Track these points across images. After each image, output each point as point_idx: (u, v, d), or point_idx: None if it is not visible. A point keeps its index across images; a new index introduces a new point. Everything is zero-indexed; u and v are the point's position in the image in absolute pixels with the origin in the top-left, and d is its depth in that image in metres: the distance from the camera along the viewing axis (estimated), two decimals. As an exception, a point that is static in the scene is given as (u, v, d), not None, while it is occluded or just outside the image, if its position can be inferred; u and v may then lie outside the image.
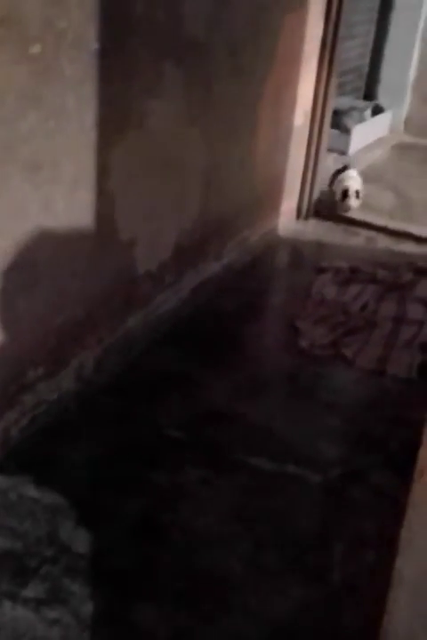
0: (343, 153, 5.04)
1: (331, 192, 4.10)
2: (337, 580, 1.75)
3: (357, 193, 4.05)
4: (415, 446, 1.13)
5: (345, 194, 4.02)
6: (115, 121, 2.16)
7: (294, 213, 3.98)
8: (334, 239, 3.79)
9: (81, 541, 1.77)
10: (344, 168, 4.19)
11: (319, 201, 4.07)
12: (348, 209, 4.03)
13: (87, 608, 1.61)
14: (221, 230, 3.11)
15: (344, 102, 5.33)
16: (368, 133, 5.39)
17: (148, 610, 1.63)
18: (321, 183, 4.09)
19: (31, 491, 1.90)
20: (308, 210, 4.04)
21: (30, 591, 1.63)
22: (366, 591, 1.71)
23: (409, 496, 1.13)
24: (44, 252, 1.97)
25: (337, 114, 4.88)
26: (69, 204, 2.04)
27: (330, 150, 4.61)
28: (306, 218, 4.03)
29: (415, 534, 1.11)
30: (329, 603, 1.69)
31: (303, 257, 3.60)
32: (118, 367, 2.45)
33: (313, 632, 1.62)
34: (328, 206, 4.06)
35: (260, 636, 1.60)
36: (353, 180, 4.09)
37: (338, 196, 4.03)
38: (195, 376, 2.49)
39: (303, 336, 2.83)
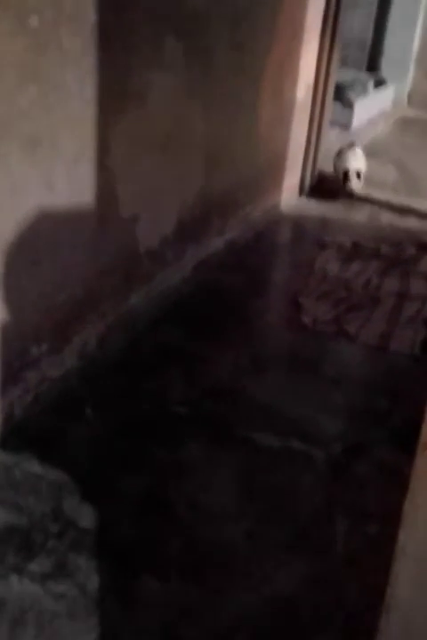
0: (346, 127, 5.01)
1: (335, 171, 4.03)
2: (340, 554, 1.77)
3: (358, 174, 3.94)
4: (418, 421, 1.13)
5: (346, 175, 3.93)
6: (115, 95, 2.14)
7: (296, 188, 3.96)
8: (336, 214, 3.76)
9: (86, 516, 1.78)
10: (349, 146, 4.09)
11: (322, 180, 4.01)
12: (350, 191, 3.95)
13: (93, 582, 1.62)
14: (224, 206, 3.09)
15: (347, 75, 5.28)
16: (371, 107, 5.35)
17: (152, 583, 1.64)
18: (323, 158, 4.06)
19: (35, 467, 1.91)
20: (310, 184, 4.01)
21: (36, 565, 1.65)
22: (369, 565, 1.72)
23: (412, 470, 1.13)
24: (44, 229, 1.96)
25: (340, 87, 4.84)
26: (70, 181, 2.02)
27: (332, 124, 4.58)
28: (309, 193, 4.01)
29: (419, 508, 1.12)
30: (332, 576, 1.71)
31: (306, 233, 3.58)
32: (121, 344, 2.45)
33: (316, 605, 1.63)
34: (331, 188, 3.97)
35: (264, 610, 1.61)
36: (355, 160, 3.98)
37: (340, 176, 3.96)
38: (198, 352, 2.49)
39: (306, 312, 2.83)
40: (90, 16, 1.93)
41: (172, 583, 1.65)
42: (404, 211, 3.87)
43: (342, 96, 4.99)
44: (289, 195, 3.83)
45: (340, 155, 4.03)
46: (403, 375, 2.50)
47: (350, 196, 3.89)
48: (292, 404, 2.28)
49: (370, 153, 4.74)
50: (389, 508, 1.73)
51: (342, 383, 2.43)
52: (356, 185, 3.95)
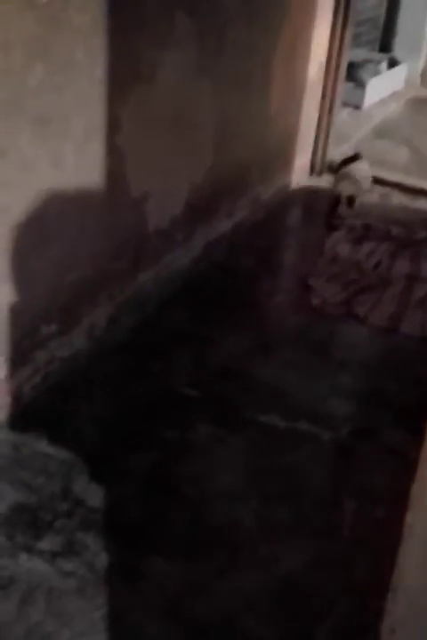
0: (358, 107, 4.96)
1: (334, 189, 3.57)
2: (348, 536, 1.77)
3: (350, 200, 3.46)
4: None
5: (337, 199, 3.47)
6: (125, 74, 2.12)
7: (307, 169, 3.92)
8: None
9: (94, 496, 1.79)
10: (353, 158, 3.67)
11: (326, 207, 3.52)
12: (340, 218, 3.44)
13: (101, 560, 1.64)
14: (234, 186, 3.07)
15: (359, 54, 5.22)
16: (383, 87, 5.28)
17: (160, 562, 1.65)
18: (335, 138, 4.02)
19: (44, 446, 1.92)
20: (321, 165, 3.97)
21: (45, 544, 1.66)
22: (377, 546, 1.72)
23: (421, 452, 1.13)
24: (54, 208, 1.95)
25: (352, 66, 4.78)
26: (79, 160, 2.01)
27: (344, 104, 4.53)
28: (320, 173, 3.97)
29: (426, 490, 1.11)
30: (339, 557, 1.71)
31: (316, 213, 3.55)
32: (130, 325, 2.45)
33: (324, 586, 1.64)
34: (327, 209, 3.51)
35: (271, 590, 1.62)
36: (351, 183, 3.50)
37: (332, 200, 3.50)
38: (206, 334, 2.49)
39: (316, 294, 2.81)
40: (99, -8, 1.91)
41: (179, 562, 1.66)
42: (415, 192, 3.83)
43: (354, 75, 4.93)
44: (300, 175, 3.80)
45: (341, 167, 3.63)
46: (412, 357, 2.49)
47: (339, 223, 3.45)
48: (300, 386, 2.28)
49: (382, 133, 4.69)
50: (396, 491, 1.73)
51: (350, 365, 2.42)
52: (345, 211, 3.45)
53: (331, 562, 1.70)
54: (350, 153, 3.78)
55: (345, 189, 3.46)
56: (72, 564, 1.62)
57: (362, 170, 3.61)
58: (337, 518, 1.81)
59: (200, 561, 1.67)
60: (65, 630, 1.49)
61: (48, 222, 1.96)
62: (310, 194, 3.75)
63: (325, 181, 3.87)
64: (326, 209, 3.46)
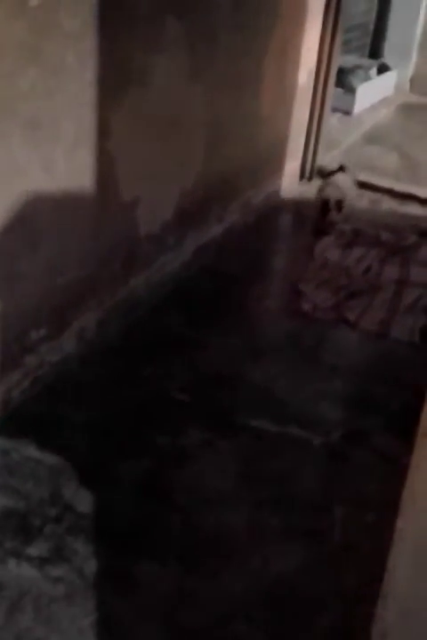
0: (348, 113, 4.98)
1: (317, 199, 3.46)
2: (338, 541, 1.77)
3: (338, 203, 3.35)
4: (417, 409, 1.13)
5: (325, 204, 3.35)
6: (116, 78, 2.12)
7: (297, 174, 3.93)
8: (337, 201, 3.73)
9: (84, 501, 1.78)
10: (337, 170, 3.56)
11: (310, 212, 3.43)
12: (330, 222, 3.35)
13: (91, 566, 1.62)
14: (224, 191, 3.07)
15: (349, 60, 5.24)
16: (373, 93, 5.31)
17: (150, 568, 1.64)
18: (325, 144, 4.03)
19: (34, 451, 1.90)
20: (311, 170, 3.99)
21: (34, 549, 1.65)
22: (367, 551, 1.72)
23: (412, 457, 1.13)
24: (44, 212, 1.95)
25: (342, 72, 4.80)
26: (70, 164, 2.00)
27: (335, 110, 4.55)
28: (309, 179, 3.98)
29: (417, 495, 1.12)
30: (330, 563, 1.71)
31: (306, 219, 3.56)
32: (121, 329, 2.44)
33: (315, 591, 1.64)
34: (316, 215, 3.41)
35: (262, 595, 1.62)
36: (336, 189, 3.41)
37: (318, 206, 3.39)
38: (197, 338, 2.49)
39: (306, 299, 2.82)
40: (90, -4, 1.91)
41: (169, 568, 1.65)
42: (405, 197, 3.85)
43: (344, 81, 4.95)
44: (290, 180, 3.81)
45: (327, 178, 3.52)
46: (402, 362, 2.50)
47: (330, 229, 3.41)
48: (291, 391, 2.28)
49: (372, 139, 4.71)
50: (387, 496, 1.73)
51: (341, 370, 2.43)
52: (336, 217, 3.35)
53: (322, 567, 1.70)
54: (335, 165, 3.68)
55: (332, 194, 3.39)
56: (61, 569, 1.61)
57: (346, 180, 3.53)
58: (328, 523, 1.81)
59: (191, 566, 1.66)
60: (54, 636, 1.48)
61: (38, 226, 1.95)
62: (300, 199, 3.76)
63: (315, 187, 3.88)
64: (316, 215, 3.41)
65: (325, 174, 3.57)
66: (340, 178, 3.49)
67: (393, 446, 2.04)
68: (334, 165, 3.65)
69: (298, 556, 1.72)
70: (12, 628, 1.48)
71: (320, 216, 3.35)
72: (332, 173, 3.53)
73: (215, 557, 1.69)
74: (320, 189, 3.48)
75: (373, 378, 2.41)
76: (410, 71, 5.79)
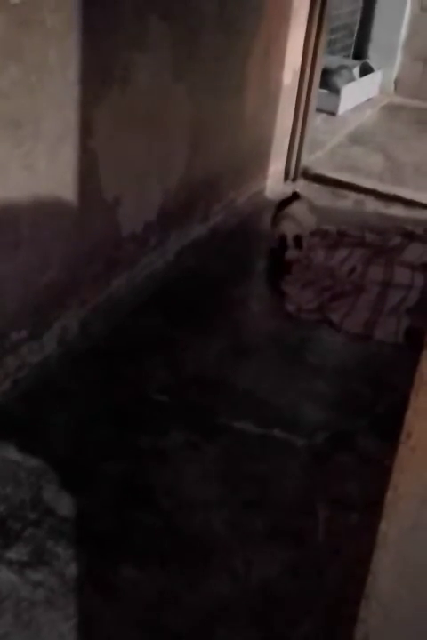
0: (333, 113, 4.99)
1: (272, 233, 3.13)
2: (322, 543, 1.76)
3: (297, 239, 3.02)
4: (401, 410, 1.12)
5: (283, 240, 3.02)
6: (98, 76, 2.10)
7: (281, 175, 3.93)
8: (322, 202, 3.74)
9: (65, 504, 1.76)
10: (291, 199, 3.24)
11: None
12: (290, 261, 3.03)
13: (71, 570, 1.61)
14: (208, 191, 3.06)
15: (333, 61, 5.26)
16: (358, 94, 5.33)
17: (132, 571, 1.63)
18: (309, 144, 4.04)
19: (14, 454, 1.88)
20: (296, 171, 3.99)
21: (14, 553, 1.63)
22: (351, 553, 1.72)
23: (395, 460, 1.12)
24: (25, 211, 1.92)
25: (326, 73, 4.81)
26: (51, 163, 1.98)
27: (319, 110, 4.55)
28: (294, 180, 3.99)
29: (401, 497, 1.11)
30: (314, 565, 1.70)
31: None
32: (103, 330, 2.42)
33: (298, 593, 1.63)
34: (271, 253, 3.12)
35: (244, 598, 1.61)
36: (293, 222, 3.08)
37: (275, 242, 3.07)
38: (180, 339, 2.47)
39: (290, 300, 2.81)
40: (73, -6, 1.89)
41: (151, 571, 1.64)
42: (390, 199, 3.86)
43: (328, 82, 4.96)
44: (274, 181, 3.81)
45: (281, 209, 3.18)
46: (387, 364, 2.50)
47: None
48: (275, 393, 2.27)
49: (356, 140, 4.73)
50: (370, 498, 1.73)
51: (325, 372, 2.42)
52: (292, 254, 3.03)
53: (305, 569, 1.69)
54: (288, 193, 3.33)
55: (289, 229, 3.03)
56: (41, 574, 1.59)
57: (303, 211, 3.20)
58: (311, 526, 1.81)
59: (173, 570, 1.65)
60: (34, 642, 1.45)
61: (19, 226, 1.92)
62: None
63: (298, 188, 3.88)
64: (272, 253, 3.11)
65: (278, 206, 3.22)
66: (295, 207, 3.17)
67: (377, 448, 2.04)
68: (287, 194, 3.34)
69: (281, 558, 1.71)
70: (-9, 634, 1.45)
71: (278, 254, 3.05)
72: (286, 203, 3.21)
73: (197, 560, 1.68)
74: (274, 223, 3.14)
75: (357, 379, 2.41)
76: (395, 72, 5.82)
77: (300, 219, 3.13)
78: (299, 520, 1.82)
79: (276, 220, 3.16)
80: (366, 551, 1.23)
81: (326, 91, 4.87)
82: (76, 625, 1.50)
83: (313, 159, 4.16)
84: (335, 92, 4.99)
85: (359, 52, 5.83)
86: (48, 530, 1.69)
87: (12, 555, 1.62)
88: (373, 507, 1.29)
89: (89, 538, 1.70)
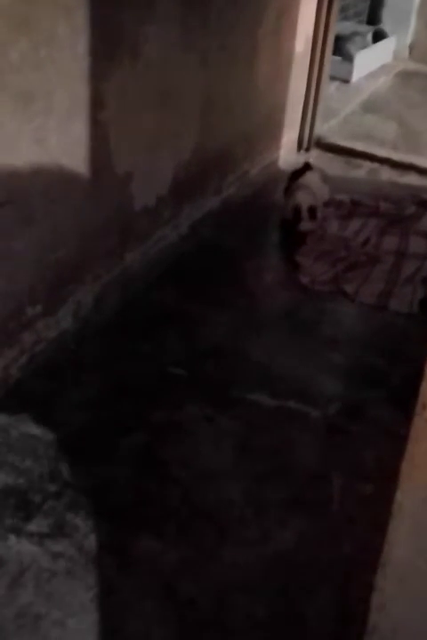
0: (346, 81, 4.92)
1: (286, 205, 3.14)
2: (338, 512, 1.78)
3: (311, 210, 3.05)
4: (416, 381, 1.12)
5: (297, 212, 3.03)
6: (109, 49, 2.08)
7: (294, 145, 3.89)
8: (335, 171, 3.71)
9: (83, 477, 1.79)
10: (303, 169, 3.25)
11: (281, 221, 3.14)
12: (304, 233, 3.05)
13: (91, 541, 1.63)
14: (221, 163, 3.03)
15: (346, 27, 5.17)
16: (372, 60, 5.24)
17: (150, 542, 1.65)
18: (323, 113, 3.98)
19: (32, 428, 1.90)
20: (309, 141, 3.94)
21: (34, 525, 1.65)
22: (366, 523, 1.73)
23: (410, 430, 1.12)
24: (37, 186, 1.92)
25: (339, 39, 4.73)
26: (63, 137, 1.97)
27: (332, 78, 4.50)
28: (307, 149, 3.94)
29: (416, 468, 1.11)
30: (330, 534, 1.72)
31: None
32: (117, 304, 2.43)
33: (314, 562, 1.65)
34: (284, 225, 3.13)
35: (261, 567, 1.62)
36: (307, 193, 3.09)
37: (287, 213, 3.09)
38: (195, 313, 2.47)
39: (304, 272, 2.80)
40: (82, -36, 1.87)
41: (169, 541, 1.66)
42: (404, 167, 3.82)
43: (341, 49, 4.88)
44: (288, 151, 3.77)
45: (293, 180, 3.19)
46: (401, 334, 2.49)
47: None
48: (290, 365, 2.27)
49: (370, 108, 4.66)
50: (386, 468, 1.74)
51: (340, 343, 2.42)
52: (308, 225, 3.06)
53: (321, 538, 1.71)
54: (300, 164, 3.35)
55: (303, 200, 3.04)
56: (61, 545, 1.62)
57: (316, 181, 3.21)
58: (327, 495, 1.82)
59: (190, 540, 1.67)
60: (55, 611, 1.48)
61: (31, 201, 1.92)
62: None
63: (312, 157, 3.84)
64: (285, 225, 3.12)
65: (290, 177, 3.24)
66: (308, 178, 3.18)
67: (392, 419, 2.04)
68: (299, 164, 3.36)
69: (297, 527, 1.72)
70: (14, 604, 1.49)
71: (292, 226, 3.06)
72: (299, 174, 3.21)
73: (215, 530, 1.70)
74: (288, 194, 3.15)
75: (371, 350, 2.40)
76: (409, 38, 5.71)
77: (314, 189, 3.12)
78: (314, 490, 1.83)
79: (289, 191, 3.16)
80: (381, 521, 1.24)
81: (339, 58, 4.79)
82: (96, 594, 1.53)
83: (326, 128, 4.12)
84: (349, 58, 4.91)
85: (373, 18, 5.73)
86: (67, 502, 1.72)
87: (32, 527, 1.65)
88: (388, 477, 1.30)
89: (107, 510, 1.72)
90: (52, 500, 1.72)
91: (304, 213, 3.02)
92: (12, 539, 1.62)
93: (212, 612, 1.52)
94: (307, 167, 3.25)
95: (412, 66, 5.61)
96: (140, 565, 1.60)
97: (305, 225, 3.04)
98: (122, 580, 1.56)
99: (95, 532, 1.65)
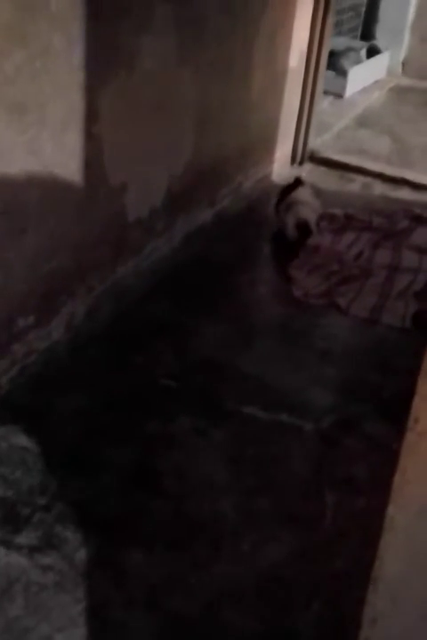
0: (340, 95, 4.95)
1: (279, 220, 3.15)
2: (329, 527, 1.77)
3: (304, 227, 3.08)
4: (409, 394, 1.12)
5: (304, 227, 3.05)
6: (104, 61, 2.08)
7: (288, 159, 3.91)
8: (329, 185, 3.73)
9: (73, 489, 1.77)
10: (294, 184, 3.24)
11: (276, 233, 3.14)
12: (300, 244, 3.07)
13: (80, 554, 1.62)
14: (214, 176, 3.04)
15: (340, 42, 5.21)
16: (365, 75, 5.28)
17: (141, 555, 1.64)
18: (316, 127, 4.01)
19: (22, 440, 1.89)
20: (303, 155, 3.96)
21: (23, 538, 1.64)
22: (358, 537, 1.72)
23: (403, 444, 1.12)
24: (31, 197, 1.92)
25: (333, 55, 4.77)
26: (57, 148, 1.97)
27: (326, 93, 4.52)
28: (301, 163, 3.96)
29: (408, 482, 1.11)
30: (321, 549, 1.71)
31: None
32: (109, 316, 2.42)
33: (305, 577, 1.64)
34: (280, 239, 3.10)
35: (252, 581, 1.61)
36: (310, 209, 3.11)
37: (290, 229, 3.07)
38: (187, 325, 2.47)
39: (297, 285, 2.81)
40: (77, -23, 1.87)
41: (159, 555, 1.65)
42: (397, 182, 3.84)
43: (335, 64, 4.92)
44: (281, 164, 3.79)
45: (285, 195, 3.18)
46: (394, 348, 2.49)
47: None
48: (282, 377, 2.27)
49: (364, 122, 4.69)
50: (378, 482, 1.73)
51: (332, 356, 2.42)
52: (316, 240, 3.12)
53: (312, 553, 1.70)
54: (291, 179, 3.33)
55: (308, 216, 3.09)
56: (51, 558, 1.60)
57: (307, 195, 3.22)
58: (319, 509, 1.81)
59: (181, 553, 1.66)
60: (44, 625, 1.47)
61: (25, 211, 1.92)
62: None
63: (305, 171, 3.86)
64: (276, 238, 3.13)
65: (281, 192, 3.22)
66: (300, 193, 3.17)
67: (384, 433, 2.04)
68: (290, 179, 3.34)
69: (289, 541, 1.71)
70: (2, 617, 1.47)
71: (299, 241, 3.07)
72: (290, 189, 3.21)
73: (206, 544, 1.69)
74: (283, 209, 3.14)
75: (364, 364, 2.40)
76: (402, 53, 5.76)
77: (305, 203, 3.14)
78: (307, 504, 1.83)
79: (282, 206, 3.16)
80: (373, 535, 1.23)
81: (333, 73, 4.82)
82: (86, 608, 1.51)
83: (320, 142, 4.14)
84: (342, 73, 4.94)
85: (367, 34, 5.77)
86: (57, 515, 1.70)
87: (21, 539, 1.63)
88: (380, 491, 1.29)
89: (97, 522, 1.71)
90: (41, 513, 1.70)
91: (313, 227, 3.09)
92: (1, 551, 1.60)
93: (202, 626, 1.51)
94: (298, 182, 3.26)
95: (405, 81, 5.66)
96: (131, 579, 1.59)
97: (315, 239, 3.08)
98: (112, 594, 1.55)
99: (85, 545, 1.64)
